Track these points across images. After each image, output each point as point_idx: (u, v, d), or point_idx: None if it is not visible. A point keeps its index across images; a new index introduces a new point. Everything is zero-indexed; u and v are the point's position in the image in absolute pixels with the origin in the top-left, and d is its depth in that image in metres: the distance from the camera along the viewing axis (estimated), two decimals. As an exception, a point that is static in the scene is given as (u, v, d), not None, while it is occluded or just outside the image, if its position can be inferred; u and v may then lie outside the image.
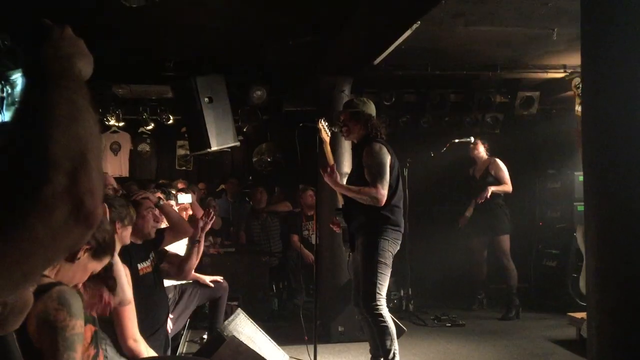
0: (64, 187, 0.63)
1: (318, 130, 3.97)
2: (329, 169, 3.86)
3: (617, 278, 2.13)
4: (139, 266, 3.37)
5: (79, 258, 1.91)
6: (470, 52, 5.88)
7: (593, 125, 2.28)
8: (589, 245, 2.29)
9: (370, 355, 4.07)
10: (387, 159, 3.78)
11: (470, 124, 7.38)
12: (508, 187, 6.23)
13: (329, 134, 4.01)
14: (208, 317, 4.83)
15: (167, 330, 3.69)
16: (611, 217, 2.17)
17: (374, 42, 4.98)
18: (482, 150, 6.40)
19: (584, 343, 2.68)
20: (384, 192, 3.69)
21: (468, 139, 6.53)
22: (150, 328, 3.27)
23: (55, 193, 0.63)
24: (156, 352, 3.16)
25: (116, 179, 6.44)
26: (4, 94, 4.00)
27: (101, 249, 2.02)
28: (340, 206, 4.08)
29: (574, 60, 5.92)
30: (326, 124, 4.01)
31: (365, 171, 3.78)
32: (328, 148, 4.01)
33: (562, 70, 6.41)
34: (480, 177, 6.36)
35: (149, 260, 3.52)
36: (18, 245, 0.61)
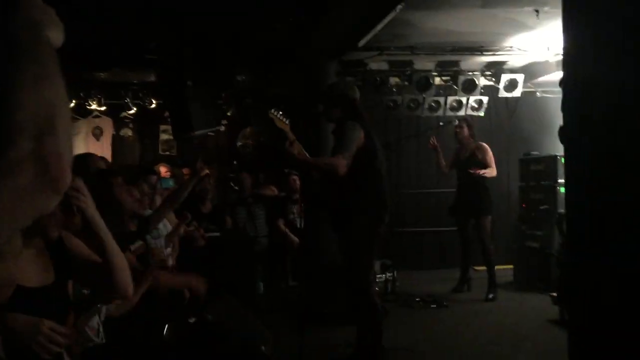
0: (29, 151, 0.63)
1: (271, 121, 3.88)
2: (287, 143, 3.69)
3: (597, 260, 2.16)
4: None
5: None
6: (455, 34, 5.87)
7: (574, 111, 2.28)
8: (569, 228, 2.31)
9: (357, 337, 4.10)
10: (357, 134, 3.73)
11: (454, 107, 7.40)
12: (494, 171, 6.33)
13: (286, 122, 3.91)
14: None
15: None
16: (592, 201, 2.19)
17: (358, 24, 4.95)
18: (467, 132, 6.42)
19: (566, 322, 2.72)
20: (343, 161, 3.62)
21: (452, 122, 6.56)
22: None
23: (21, 157, 0.62)
24: None
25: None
26: None
27: None
28: (323, 188, 4.05)
29: (558, 42, 5.94)
30: (279, 113, 3.90)
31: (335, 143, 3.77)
32: (290, 135, 3.89)
33: (546, 52, 6.43)
34: (465, 159, 6.39)
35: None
36: None
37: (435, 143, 6.57)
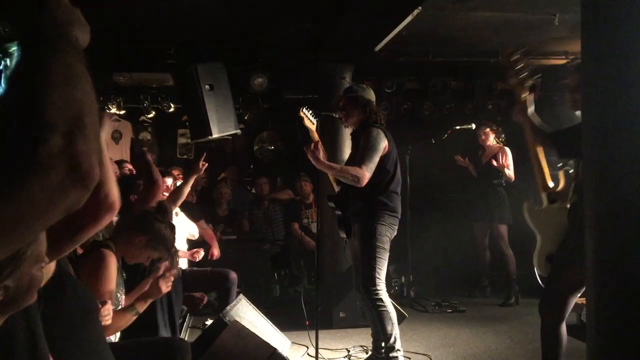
0: (60, 148, 0.64)
1: (300, 119, 3.92)
2: (312, 145, 3.74)
3: (616, 267, 2.14)
4: None
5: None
6: (472, 39, 5.85)
7: (593, 116, 2.26)
8: (588, 236, 2.29)
9: (371, 340, 4.10)
10: (382, 145, 3.77)
11: (471, 111, 7.37)
12: (512, 175, 6.27)
13: (314, 121, 3.96)
14: (217, 306, 4.92)
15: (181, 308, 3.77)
16: (610, 206, 2.17)
17: (374, 29, 4.95)
18: (491, 139, 6.40)
19: (584, 328, 2.70)
20: (367, 173, 3.66)
21: (469, 126, 6.54)
22: (170, 304, 3.34)
23: (52, 154, 0.63)
24: (172, 328, 3.25)
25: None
26: (2, 67, 4.02)
27: (156, 240, 2.60)
28: (336, 192, 4.07)
29: (576, 46, 5.88)
30: (309, 112, 3.95)
31: (358, 152, 3.78)
32: (315, 135, 3.95)
33: (563, 57, 6.39)
34: (486, 164, 6.38)
35: None
36: (15, 206, 0.62)
37: (461, 159, 6.68)
